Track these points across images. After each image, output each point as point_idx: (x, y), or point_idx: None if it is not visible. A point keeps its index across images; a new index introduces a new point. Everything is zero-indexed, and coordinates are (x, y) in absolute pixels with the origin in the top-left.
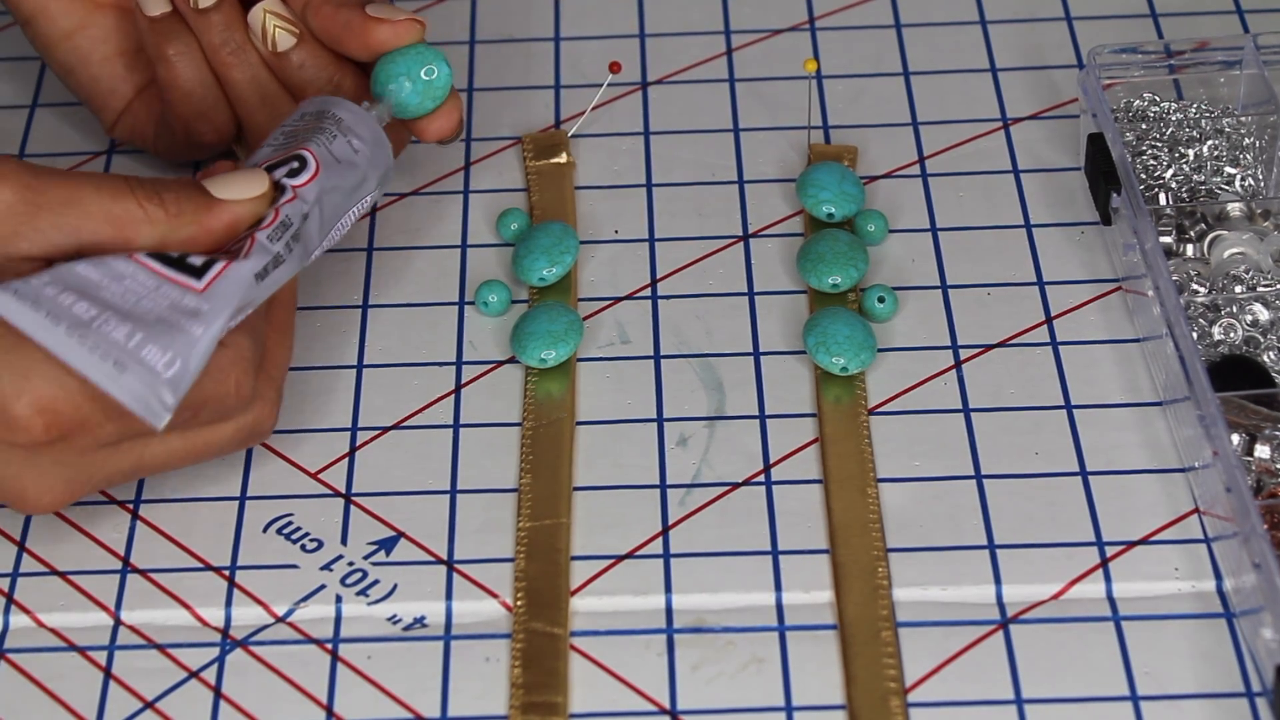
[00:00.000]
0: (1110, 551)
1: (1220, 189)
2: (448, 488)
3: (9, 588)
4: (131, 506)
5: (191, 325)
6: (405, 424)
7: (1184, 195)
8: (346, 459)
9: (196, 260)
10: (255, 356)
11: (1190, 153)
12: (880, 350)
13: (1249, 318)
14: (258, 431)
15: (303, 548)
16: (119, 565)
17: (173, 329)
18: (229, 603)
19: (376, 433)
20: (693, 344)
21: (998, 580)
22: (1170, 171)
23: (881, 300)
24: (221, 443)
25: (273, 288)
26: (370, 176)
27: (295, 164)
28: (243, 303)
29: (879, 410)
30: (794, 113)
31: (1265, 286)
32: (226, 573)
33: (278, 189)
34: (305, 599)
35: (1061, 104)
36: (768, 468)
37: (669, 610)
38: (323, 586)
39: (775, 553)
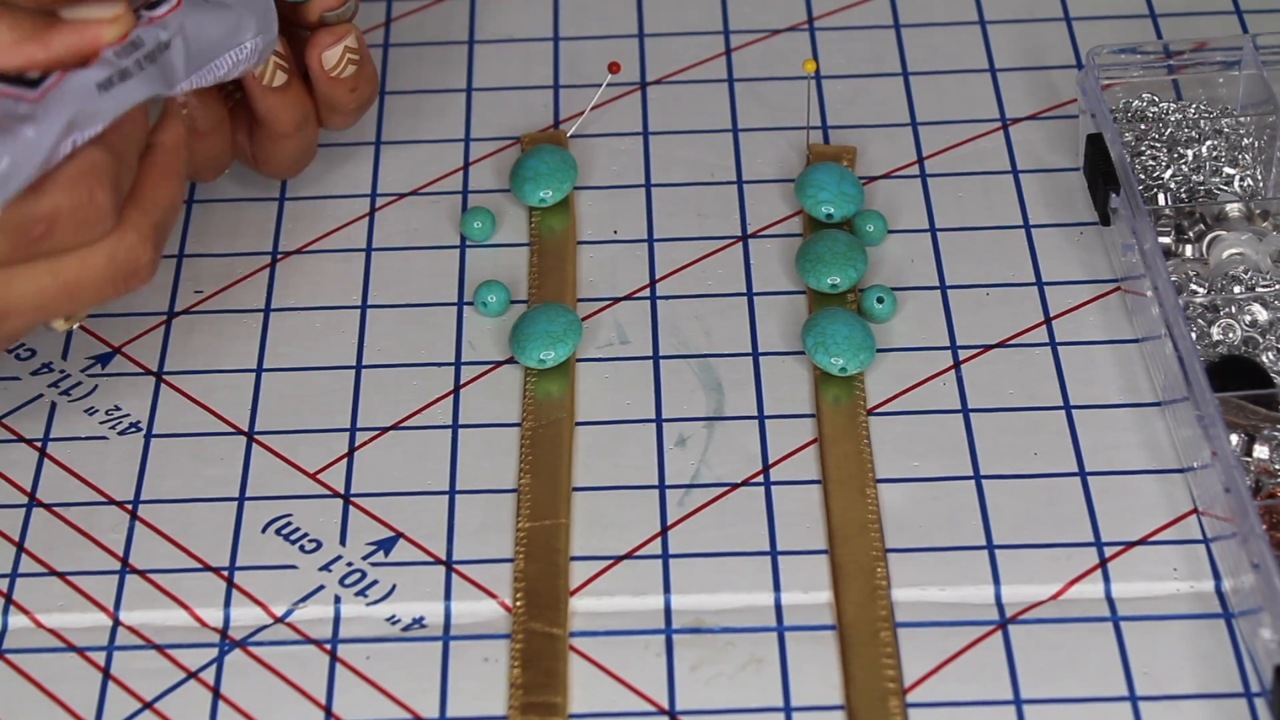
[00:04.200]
0: (1109, 552)
1: (1219, 189)
2: (447, 488)
3: (8, 588)
4: (130, 507)
5: (21, 127)
6: (404, 424)
7: (1183, 196)
8: (345, 459)
9: (34, 75)
10: (112, 171)
11: (1189, 153)
12: (879, 351)
13: (1248, 318)
14: (132, 267)
15: (301, 548)
16: (118, 566)
17: (2, 131)
18: (228, 603)
19: (375, 433)
20: (692, 344)
21: (996, 580)
22: (1169, 172)
23: (880, 300)
24: (95, 276)
25: (122, 103)
26: (246, 20)
27: None
28: (83, 109)
29: (878, 411)
30: (793, 113)
31: (1264, 287)
32: (225, 573)
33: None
34: (304, 599)
35: (1060, 104)
36: (766, 468)
37: (668, 610)
38: (321, 587)
39: (774, 553)
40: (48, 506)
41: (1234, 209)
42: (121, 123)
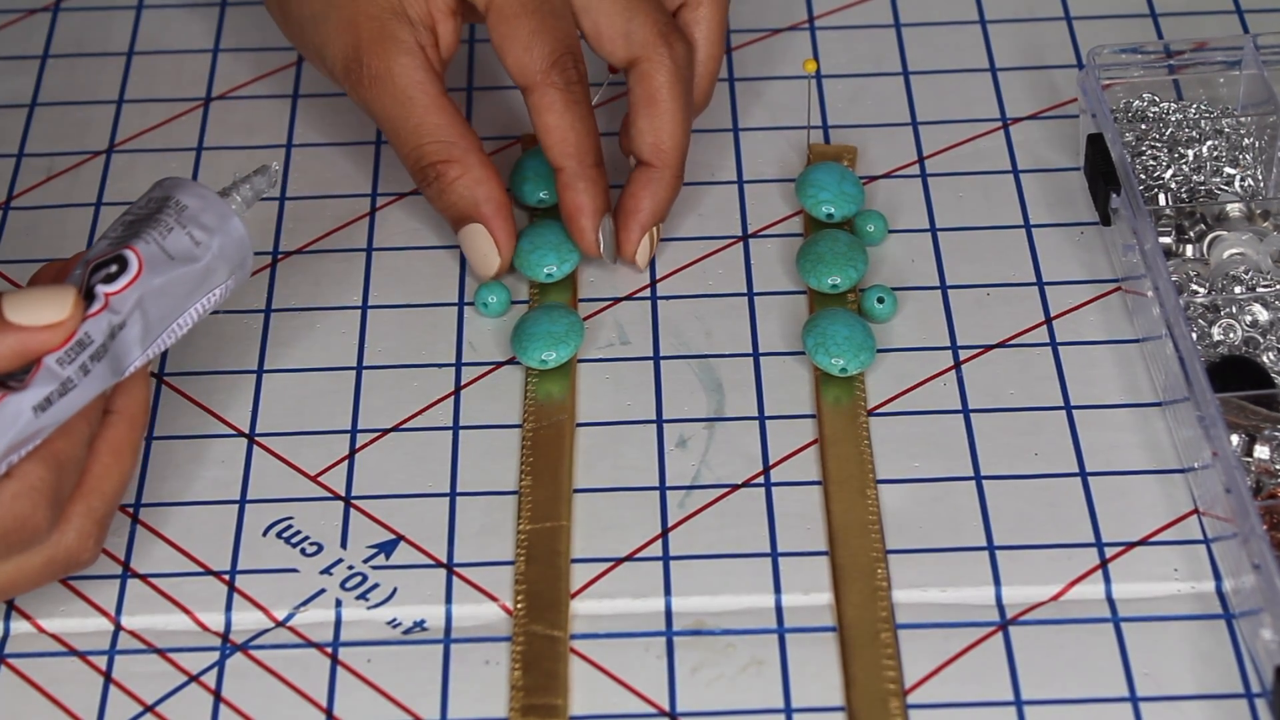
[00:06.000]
0: (1110, 552)
1: (1220, 189)
2: (447, 490)
3: None
4: (131, 511)
5: None
6: (405, 426)
7: (1183, 196)
8: (346, 461)
9: None
10: (53, 486)
11: (1190, 153)
12: (880, 351)
13: (1248, 318)
14: (73, 563)
15: (302, 551)
16: (119, 570)
17: None
18: (229, 607)
19: (376, 435)
20: (692, 345)
21: (997, 581)
22: (1170, 172)
23: (881, 301)
24: (31, 575)
25: (63, 415)
26: (219, 268)
27: (114, 266)
28: (20, 437)
29: (878, 411)
30: (793, 113)
31: (1265, 287)
32: (226, 577)
33: (89, 296)
34: (305, 603)
35: (1061, 104)
36: (767, 469)
37: (669, 613)
38: (322, 590)
39: (775, 554)
40: None
41: (1235, 209)
42: (69, 423)
